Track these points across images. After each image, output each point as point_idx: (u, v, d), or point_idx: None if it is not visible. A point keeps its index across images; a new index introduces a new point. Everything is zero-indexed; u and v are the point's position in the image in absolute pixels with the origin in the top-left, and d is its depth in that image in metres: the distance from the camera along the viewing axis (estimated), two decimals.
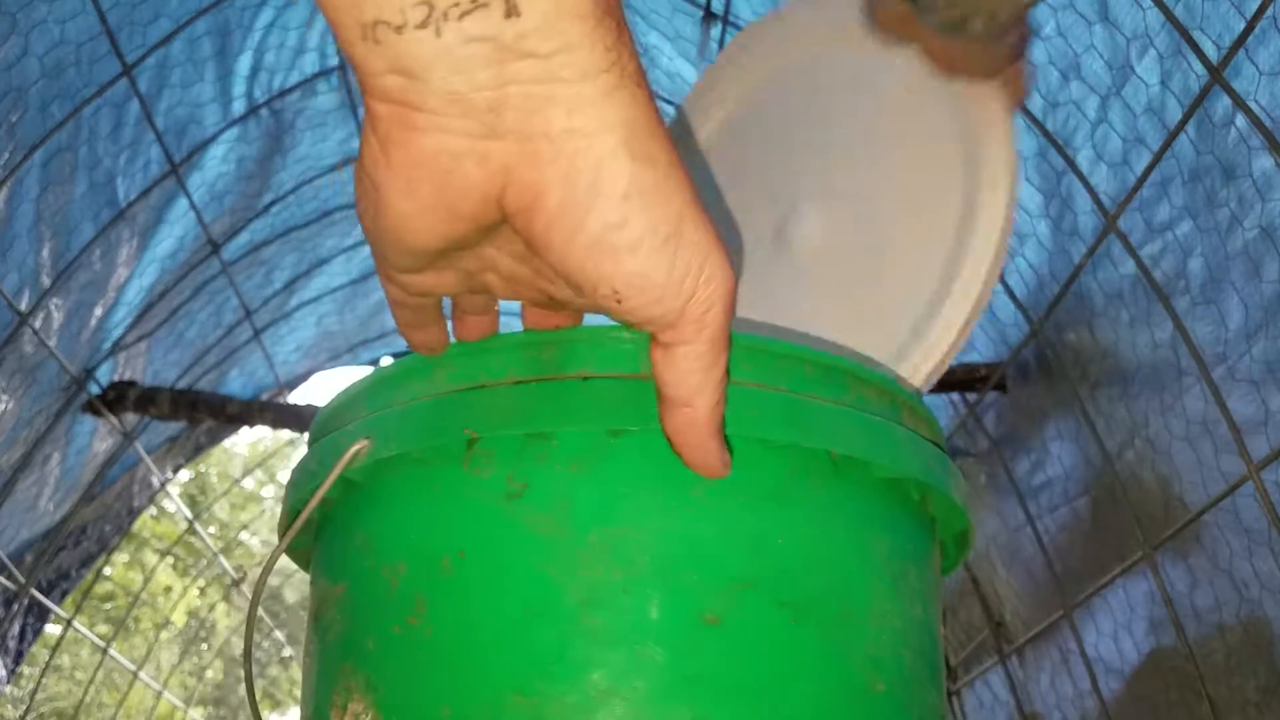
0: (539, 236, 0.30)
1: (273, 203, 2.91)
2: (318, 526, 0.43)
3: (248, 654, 0.43)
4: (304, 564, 0.46)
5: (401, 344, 4.27)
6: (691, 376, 0.32)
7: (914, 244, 0.38)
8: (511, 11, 0.27)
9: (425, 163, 0.29)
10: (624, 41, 0.29)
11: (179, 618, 8.19)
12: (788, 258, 0.41)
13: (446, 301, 0.41)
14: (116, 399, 2.76)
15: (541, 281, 0.36)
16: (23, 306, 2.32)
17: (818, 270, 0.41)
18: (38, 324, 2.40)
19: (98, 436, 2.96)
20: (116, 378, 2.83)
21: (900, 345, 0.38)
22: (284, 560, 0.43)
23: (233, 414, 2.89)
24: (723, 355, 0.32)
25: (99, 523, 3.36)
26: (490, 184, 0.29)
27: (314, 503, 0.39)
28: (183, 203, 2.61)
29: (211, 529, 8.38)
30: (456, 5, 0.27)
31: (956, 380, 2.45)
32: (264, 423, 3.00)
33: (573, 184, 0.29)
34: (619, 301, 0.31)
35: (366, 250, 3.41)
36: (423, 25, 0.27)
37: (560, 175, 0.29)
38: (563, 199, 0.29)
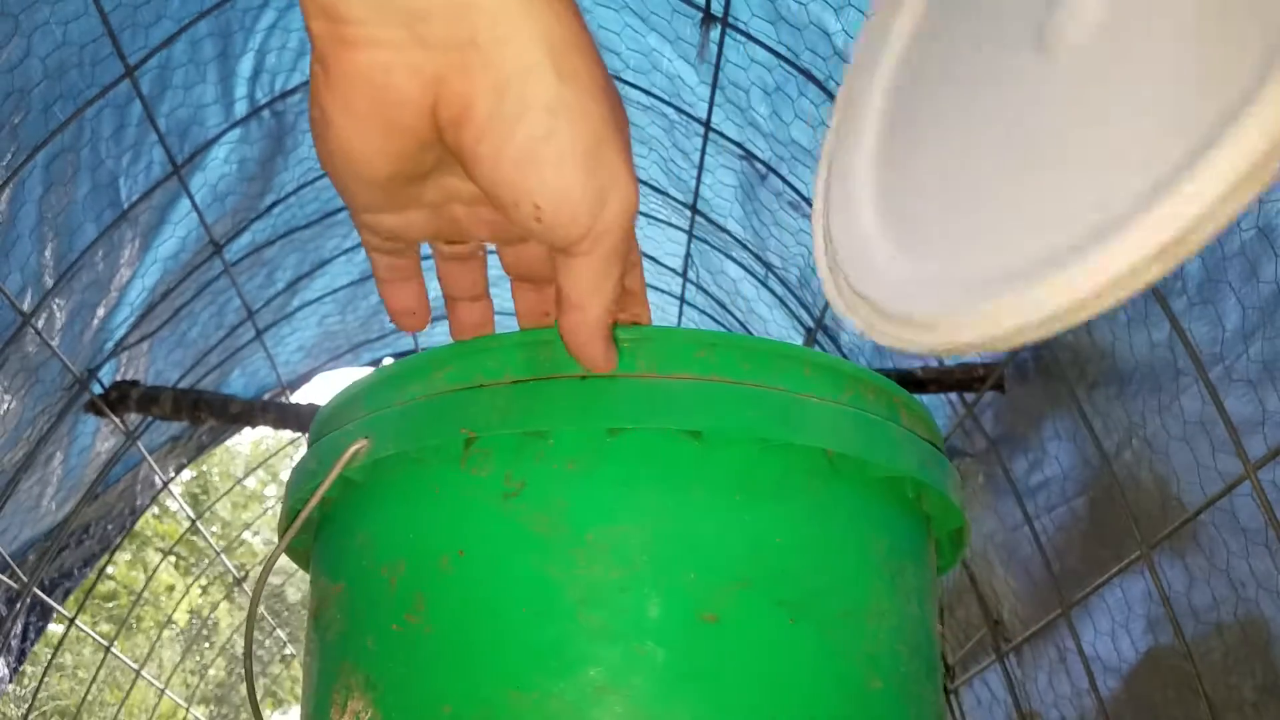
0: (468, 149, 0.30)
1: (274, 204, 2.91)
2: (317, 526, 0.44)
3: (248, 653, 0.44)
4: (304, 563, 0.46)
5: (404, 345, 4.27)
6: (587, 283, 0.33)
7: (1195, 72, 0.29)
8: None
9: (359, 76, 0.29)
10: None
11: (181, 616, 8.20)
12: (1045, 59, 0.34)
13: (435, 297, 0.41)
14: (119, 399, 2.76)
15: None
16: (25, 307, 2.33)
17: (1081, 73, 0.32)
18: (40, 324, 2.40)
19: (100, 436, 2.97)
20: (119, 377, 2.83)
21: (1157, 181, 0.27)
22: (286, 559, 0.43)
23: (235, 414, 2.90)
24: (618, 267, 0.34)
25: (101, 522, 3.37)
26: (424, 95, 0.29)
27: (313, 502, 0.39)
28: (185, 204, 2.62)
29: (214, 528, 8.39)
30: None
31: (954, 380, 2.46)
32: (266, 423, 3.01)
33: (501, 94, 0.29)
34: (539, 220, 0.31)
35: None
36: None
37: (490, 85, 0.29)
38: (491, 110, 0.29)
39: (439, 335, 3.68)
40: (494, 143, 0.30)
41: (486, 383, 0.38)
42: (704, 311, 3.53)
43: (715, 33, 2.36)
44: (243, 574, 6.57)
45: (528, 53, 0.29)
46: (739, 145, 2.68)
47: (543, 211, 0.31)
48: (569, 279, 0.34)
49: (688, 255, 3.32)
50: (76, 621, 3.65)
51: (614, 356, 0.36)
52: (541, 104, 0.29)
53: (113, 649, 4.39)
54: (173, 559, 7.55)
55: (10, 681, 3.27)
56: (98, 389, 2.74)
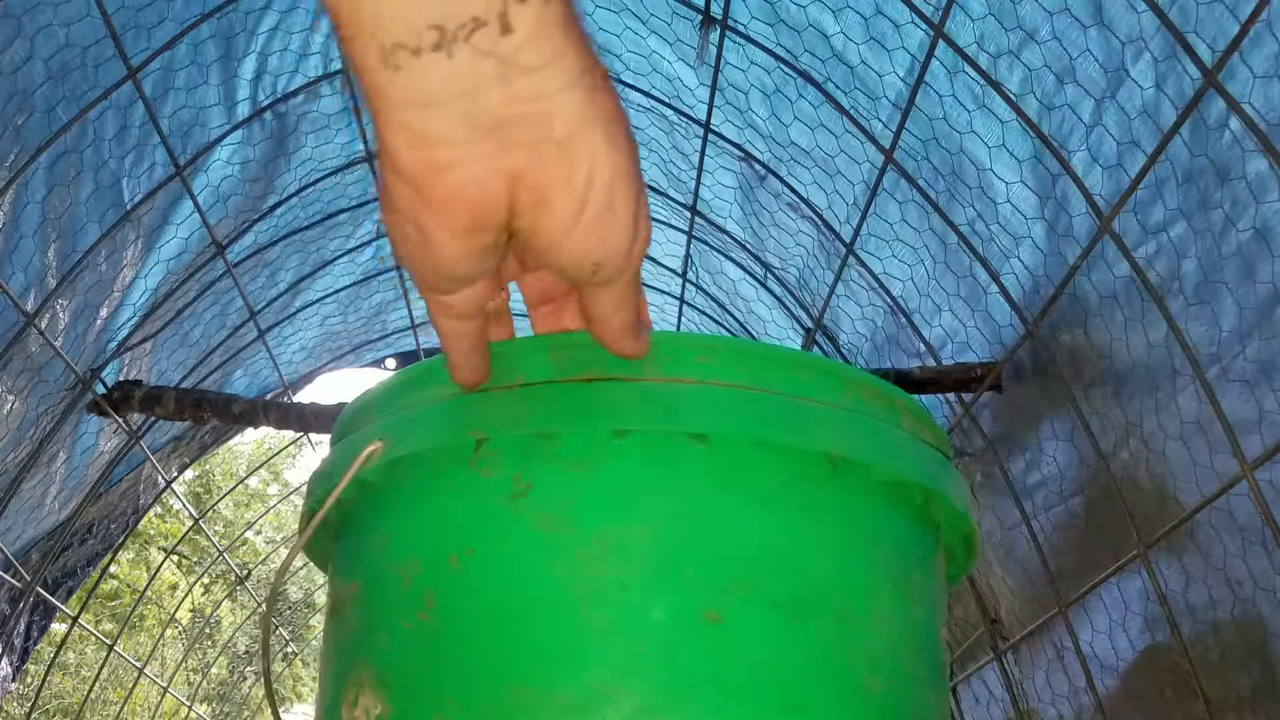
0: (542, 229, 0.33)
1: (277, 204, 2.92)
2: (336, 527, 0.44)
3: (265, 653, 0.45)
4: (322, 564, 0.47)
5: (406, 345, 4.26)
6: (610, 306, 0.37)
7: None
8: (506, 29, 0.29)
9: (458, 196, 0.32)
10: (587, 43, 0.32)
11: (184, 615, 8.21)
12: None
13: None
14: (122, 399, 2.77)
15: None
16: (29, 307, 2.33)
17: None
18: (44, 324, 2.41)
19: (103, 436, 2.98)
20: (122, 378, 2.84)
21: None
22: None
23: (237, 414, 2.90)
24: (636, 288, 0.38)
25: (105, 521, 3.38)
26: (506, 191, 0.32)
27: (329, 503, 0.40)
28: (187, 204, 2.63)
29: (216, 527, 8.40)
30: (464, 26, 0.29)
31: (952, 380, 2.47)
32: (268, 423, 3.01)
33: (573, 180, 0.32)
34: (594, 273, 0.35)
35: (369, 252, 3.42)
36: (437, 47, 0.29)
37: (564, 173, 0.32)
38: (566, 195, 0.33)
39: None
40: (566, 223, 0.33)
41: (497, 386, 0.39)
42: (703, 312, 3.54)
43: (714, 35, 2.37)
44: (245, 573, 6.57)
45: (591, 138, 0.32)
46: (738, 146, 2.69)
47: (600, 267, 0.35)
48: (595, 305, 0.37)
49: (687, 256, 3.33)
50: (79, 620, 3.66)
51: (645, 344, 0.39)
52: (604, 181, 0.33)
53: (115, 648, 4.40)
54: (175, 558, 7.55)
55: (14, 680, 3.28)
56: (101, 389, 2.75)
